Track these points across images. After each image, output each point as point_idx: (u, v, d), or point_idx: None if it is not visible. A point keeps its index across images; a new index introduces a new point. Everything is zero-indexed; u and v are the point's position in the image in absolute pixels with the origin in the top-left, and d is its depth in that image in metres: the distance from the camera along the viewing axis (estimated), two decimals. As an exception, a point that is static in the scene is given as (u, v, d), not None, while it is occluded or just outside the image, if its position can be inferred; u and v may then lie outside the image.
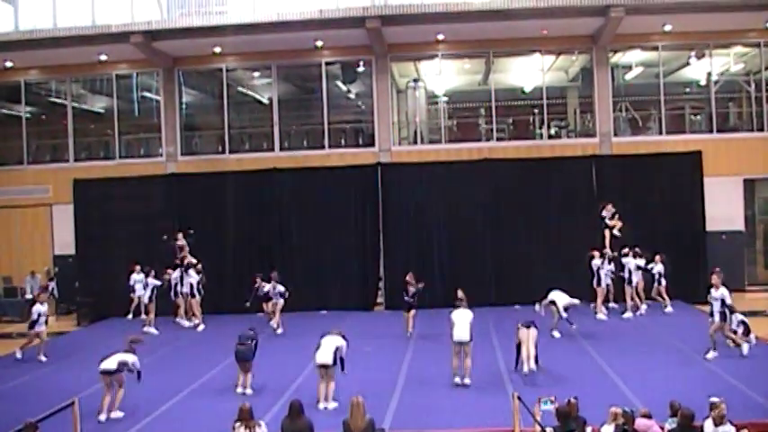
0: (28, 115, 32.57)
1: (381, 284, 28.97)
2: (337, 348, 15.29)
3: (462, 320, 16.82)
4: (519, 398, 12.55)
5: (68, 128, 31.72)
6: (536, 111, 30.56)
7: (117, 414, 15.15)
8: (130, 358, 15.62)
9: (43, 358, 20.99)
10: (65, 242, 30.29)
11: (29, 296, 29.54)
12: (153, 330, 24.87)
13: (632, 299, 25.16)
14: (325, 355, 15.18)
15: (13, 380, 18.79)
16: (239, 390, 16.37)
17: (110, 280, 27.33)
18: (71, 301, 29.57)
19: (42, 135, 33.10)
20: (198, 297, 25.55)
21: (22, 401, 16.39)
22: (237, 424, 11.93)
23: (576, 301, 21.47)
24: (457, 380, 16.41)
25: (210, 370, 18.65)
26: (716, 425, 11.16)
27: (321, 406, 14.96)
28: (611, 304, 25.78)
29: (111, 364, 15.33)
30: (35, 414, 12.34)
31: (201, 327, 25.28)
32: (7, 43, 28.98)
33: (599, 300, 24.90)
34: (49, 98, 33.01)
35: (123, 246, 28.89)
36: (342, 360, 15.39)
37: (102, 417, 14.93)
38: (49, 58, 30.13)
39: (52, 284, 30.04)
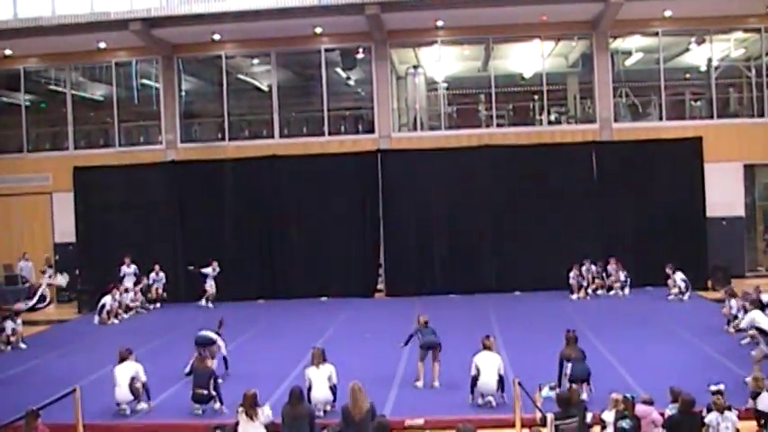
0: (27, 103, 32.54)
1: (381, 271, 28.98)
2: (330, 377, 13.91)
3: (490, 366, 14.12)
4: (520, 384, 12.56)
5: (68, 116, 31.68)
6: (536, 97, 30.51)
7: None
8: (133, 368, 14.67)
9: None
10: (65, 230, 30.27)
11: (30, 283, 29.76)
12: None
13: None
14: (323, 390, 13.83)
15: (14, 367, 18.81)
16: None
17: (110, 267, 27.30)
18: (72, 289, 29.59)
19: (42, 123, 33.05)
20: None
21: (24, 389, 16.39)
22: (241, 409, 12.02)
23: None
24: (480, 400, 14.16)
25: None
26: (719, 411, 11.21)
27: None
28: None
29: (123, 391, 14.39)
30: (37, 401, 12.38)
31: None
32: (6, 31, 28.89)
33: None
34: (48, 86, 32.96)
35: (123, 233, 28.93)
36: (335, 390, 13.92)
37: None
38: (48, 46, 30.06)
39: (50, 272, 30.14)
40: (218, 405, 14.31)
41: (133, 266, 27.61)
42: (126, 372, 14.54)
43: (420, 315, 16.34)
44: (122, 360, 14.81)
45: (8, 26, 28.86)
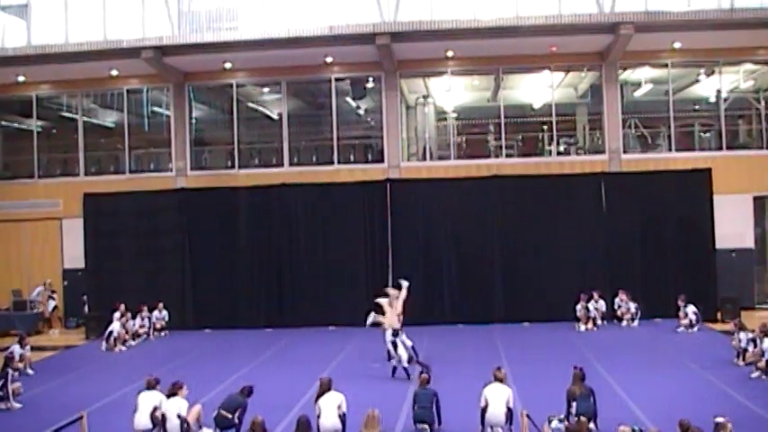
0: (39, 129, 32.75)
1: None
2: (339, 406, 13.78)
3: (498, 398, 14.01)
4: (528, 416, 12.50)
5: (79, 142, 31.89)
6: (545, 127, 30.56)
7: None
8: (158, 398, 14.42)
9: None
10: (74, 256, 30.38)
11: (38, 310, 29.86)
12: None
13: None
14: (331, 419, 13.68)
15: (21, 393, 18.77)
16: None
17: (119, 294, 27.33)
18: (80, 315, 29.68)
19: (53, 149, 33.21)
20: None
21: (31, 415, 16.39)
22: (250, 436, 12.08)
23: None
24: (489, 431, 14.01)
25: (216, 386, 18.54)
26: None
27: None
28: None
29: (144, 419, 14.21)
30: (43, 428, 12.38)
31: None
32: (19, 58, 29.20)
33: None
34: (60, 112, 33.21)
35: (133, 260, 29.07)
36: (344, 419, 13.78)
37: None
38: (60, 73, 30.32)
39: (53, 302, 30.29)
40: None
41: (164, 312, 27.78)
42: (150, 400, 14.37)
43: (422, 373, 15.45)
44: (149, 387, 14.70)
45: (21, 53, 29.16)
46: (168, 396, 14.42)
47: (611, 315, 26.50)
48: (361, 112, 32.86)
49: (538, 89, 31.21)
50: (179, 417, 14.00)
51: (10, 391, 17.49)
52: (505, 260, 28.11)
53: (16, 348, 21.05)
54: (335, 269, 28.53)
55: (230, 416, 14.04)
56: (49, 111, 33.23)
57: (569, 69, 30.77)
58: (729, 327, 21.61)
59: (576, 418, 12.94)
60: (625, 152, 29.73)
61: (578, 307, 25.94)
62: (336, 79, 30.85)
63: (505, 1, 27.59)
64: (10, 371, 17.91)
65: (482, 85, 32.62)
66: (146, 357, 23.49)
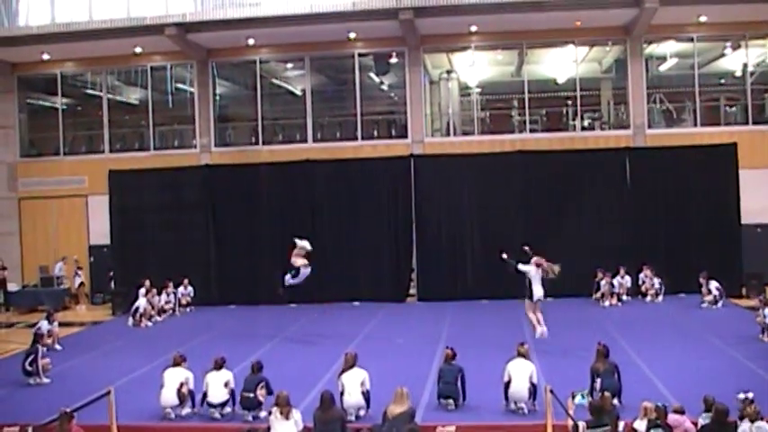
0: (64, 107, 32.94)
1: (414, 276, 28.97)
2: (363, 383, 13.94)
3: (522, 373, 14.07)
4: (552, 391, 12.51)
5: (104, 119, 32.10)
6: (569, 102, 30.41)
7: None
8: (184, 375, 14.66)
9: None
10: (100, 232, 30.62)
11: (65, 286, 30.13)
12: None
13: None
14: (355, 396, 13.84)
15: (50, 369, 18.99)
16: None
17: (144, 270, 27.52)
18: (106, 291, 29.96)
19: (78, 126, 33.45)
20: None
21: (60, 390, 16.57)
22: (275, 408, 12.21)
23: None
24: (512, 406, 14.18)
25: (242, 361, 18.64)
26: (750, 421, 11.13)
27: None
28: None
29: (170, 395, 14.42)
30: (71, 403, 12.52)
31: None
32: (44, 36, 29.35)
33: None
34: (84, 90, 33.37)
35: (158, 236, 29.26)
36: (368, 395, 13.98)
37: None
38: (84, 51, 30.45)
39: (79, 278, 30.60)
40: (263, 413, 13.94)
41: (190, 288, 28.01)
42: (176, 376, 14.56)
43: (447, 348, 15.24)
44: (175, 365, 14.87)
45: (46, 31, 29.34)
46: (213, 369, 14.65)
47: (635, 290, 26.47)
48: (385, 87, 32.78)
49: (562, 64, 31.06)
50: (226, 385, 14.37)
51: (39, 367, 17.70)
52: (529, 235, 27.88)
53: (44, 324, 21.21)
54: (359, 245, 28.57)
55: (252, 395, 14.14)
56: (73, 88, 33.39)
57: (594, 44, 30.56)
58: (754, 303, 21.52)
59: (600, 394, 12.98)
60: (650, 127, 29.56)
61: (602, 282, 25.89)
62: (360, 55, 30.79)
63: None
64: (39, 347, 18.10)
65: (506, 60, 32.42)
66: (172, 333, 23.67)
